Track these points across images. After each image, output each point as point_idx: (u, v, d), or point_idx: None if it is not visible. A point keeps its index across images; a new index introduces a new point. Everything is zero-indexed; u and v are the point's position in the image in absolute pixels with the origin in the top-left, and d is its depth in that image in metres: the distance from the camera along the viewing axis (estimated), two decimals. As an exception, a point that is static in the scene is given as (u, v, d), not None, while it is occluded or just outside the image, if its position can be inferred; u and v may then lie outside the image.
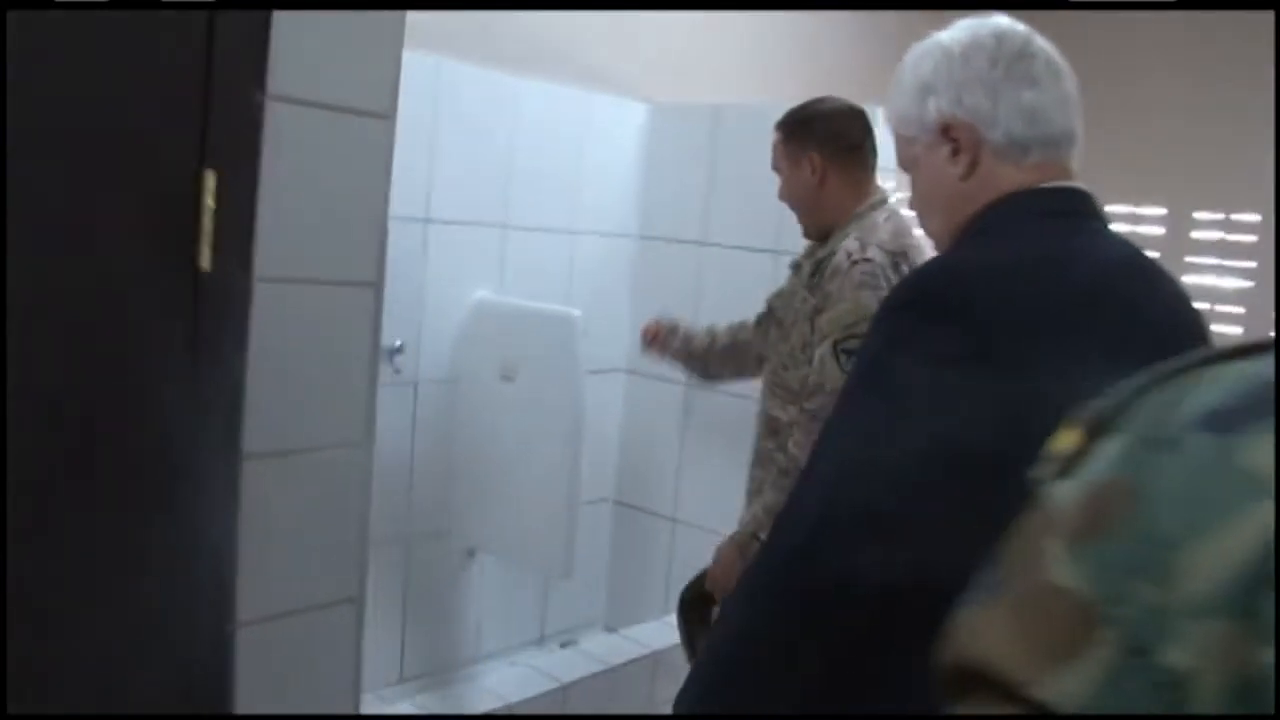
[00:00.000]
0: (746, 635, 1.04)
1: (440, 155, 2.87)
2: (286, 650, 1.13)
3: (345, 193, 1.11)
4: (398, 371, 2.80)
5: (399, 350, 2.81)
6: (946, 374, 1.08)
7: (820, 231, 2.40)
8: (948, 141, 1.27)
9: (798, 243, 2.99)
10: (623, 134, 3.37)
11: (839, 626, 1.00)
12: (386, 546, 2.95)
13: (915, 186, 1.36)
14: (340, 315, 1.14)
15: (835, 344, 2.15)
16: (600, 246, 3.36)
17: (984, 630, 0.50)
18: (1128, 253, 1.24)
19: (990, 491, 1.06)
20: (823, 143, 2.35)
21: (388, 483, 2.93)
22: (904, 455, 1.06)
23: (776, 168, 2.46)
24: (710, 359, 2.73)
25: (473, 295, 3.02)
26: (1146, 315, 1.17)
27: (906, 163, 1.36)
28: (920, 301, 1.15)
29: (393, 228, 2.83)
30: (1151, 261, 1.26)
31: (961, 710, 0.51)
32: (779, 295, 2.51)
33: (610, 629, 3.57)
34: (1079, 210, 1.25)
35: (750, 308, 3.10)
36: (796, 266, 2.46)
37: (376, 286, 1.16)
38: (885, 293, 2.23)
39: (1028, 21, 1.24)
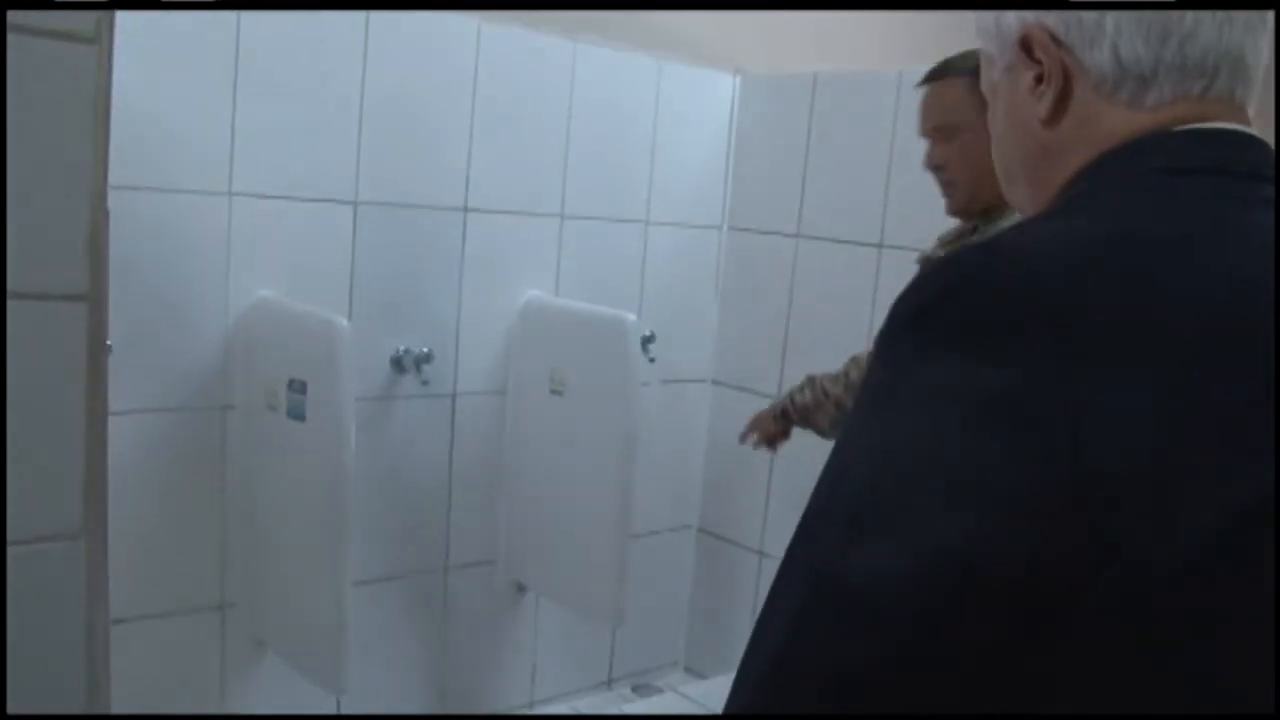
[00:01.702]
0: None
1: (482, 133, 2.50)
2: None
3: (23, 154, 0.74)
4: (425, 383, 2.44)
5: (427, 358, 2.45)
6: (961, 438, 0.64)
7: (986, 203, 1.84)
8: (1031, 64, 0.80)
9: (906, 234, 2.53)
10: (705, 109, 2.93)
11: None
12: (421, 577, 2.62)
13: (993, 130, 0.90)
14: (27, 345, 0.77)
15: None
16: (679, 239, 2.94)
17: None
18: None
19: (1017, 633, 0.63)
20: None
21: (422, 508, 2.59)
22: (883, 581, 0.63)
23: (946, 126, 1.89)
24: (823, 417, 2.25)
25: (522, 296, 2.65)
26: None
27: (986, 90, 0.90)
28: (929, 318, 0.69)
29: (425, 218, 2.52)
30: None
31: None
32: None
33: (691, 671, 3.16)
34: (1237, 167, 0.74)
35: (852, 309, 2.65)
36: None
37: (92, 300, 0.78)
38: None
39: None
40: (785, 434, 2.34)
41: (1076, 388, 0.62)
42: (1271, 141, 0.76)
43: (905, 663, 0.61)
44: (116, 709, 2.16)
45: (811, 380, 2.28)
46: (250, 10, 2.13)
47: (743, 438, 2.40)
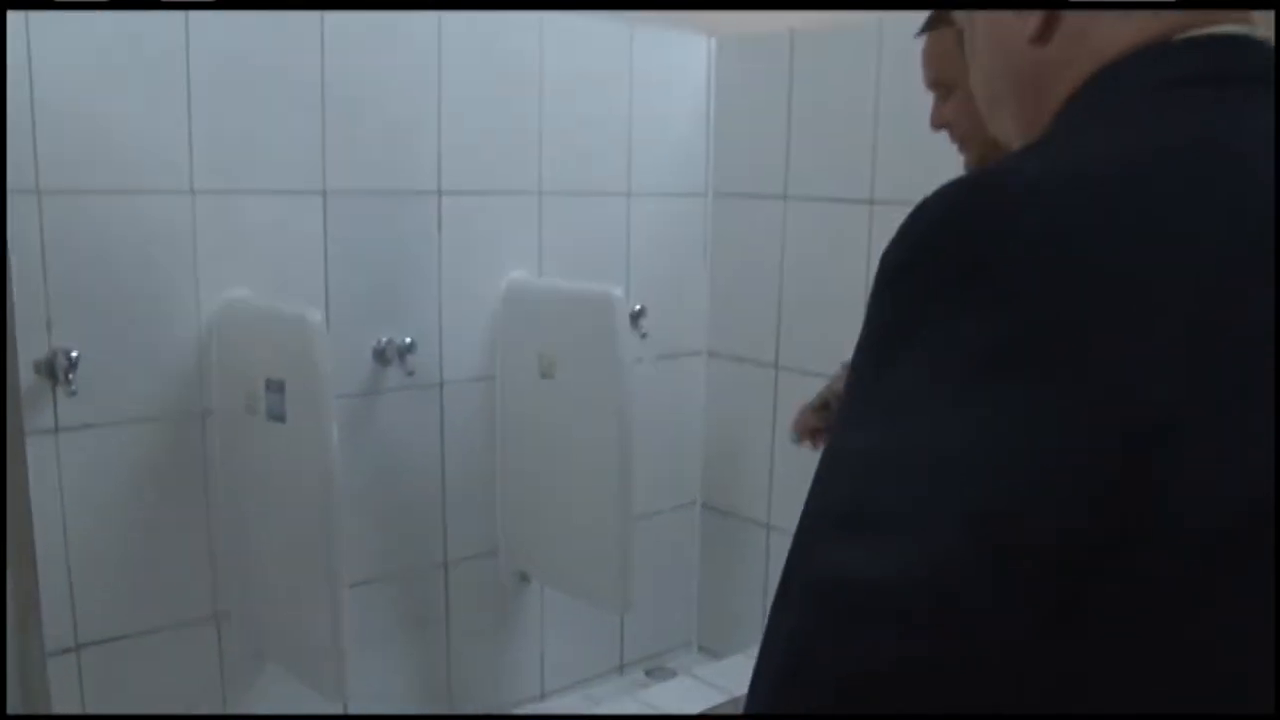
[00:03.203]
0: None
1: (450, 112, 2.41)
2: None
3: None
4: (410, 373, 2.36)
5: (410, 349, 2.37)
6: (968, 399, 0.56)
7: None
8: None
9: (897, 189, 2.45)
10: (681, 74, 2.84)
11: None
12: (421, 574, 2.54)
13: (973, 61, 0.82)
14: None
15: None
16: (664, 210, 2.85)
17: None
18: None
19: (1049, 614, 0.55)
20: None
21: (417, 502, 2.52)
22: (895, 573, 0.55)
23: (942, 82, 1.68)
24: None
25: (505, 278, 2.56)
26: None
27: (962, 16, 0.82)
28: (917, 267, 0.62)
29: (397, 204, 2.44)
30: None
31: None
32: None
33: (705, 650, 3.09)
34: (1241, 72, 0.66)
35: (847, 269, 2.56)
36: None
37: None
38: None
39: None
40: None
41: (1090, 330, 0.55)
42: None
43: (929, 659, 0.53)
44: (110, 731, 2.10)
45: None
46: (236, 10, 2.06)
47: (793, 438, 2.15)
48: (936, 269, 0.60)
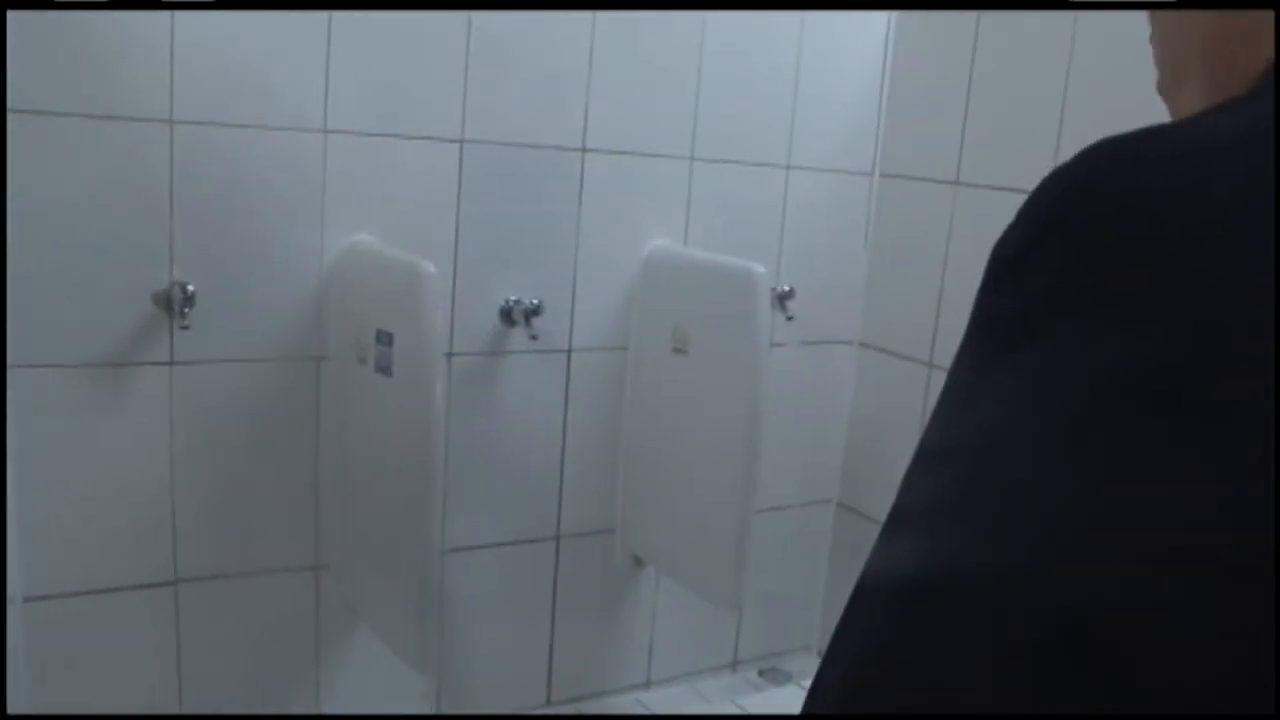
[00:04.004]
0: None
1: (602, 65, 2.28)
2: None
3: None
4: (534, 337, 2.25)
5: (537, 311, 2.26)
6: (1079, 444, 0.40)
7: None
8: None
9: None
10: (856, 41, 2.63)
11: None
12: (532, 546, 2.44)
13: (1156, 27, 0.64)
14: None
15: None
16: (824, 186, 2.66)
17: None
18: None
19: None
20: None
21: (533, 471, 2.41)
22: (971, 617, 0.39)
23: None
24: None
25: (647, 245, 2.43)
26: None
27: None
28: (1034, 257, 0.46)
29: (538, 159, 2.33)
30: None
31: None
32: None
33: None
34: None
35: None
36: None
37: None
38: None
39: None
40: None
41: (1260, 350, 0.37)
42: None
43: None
44: (209, 667, 2.07)
45: None
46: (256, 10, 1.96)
47: None
48: (1061, 255, 0.44)
